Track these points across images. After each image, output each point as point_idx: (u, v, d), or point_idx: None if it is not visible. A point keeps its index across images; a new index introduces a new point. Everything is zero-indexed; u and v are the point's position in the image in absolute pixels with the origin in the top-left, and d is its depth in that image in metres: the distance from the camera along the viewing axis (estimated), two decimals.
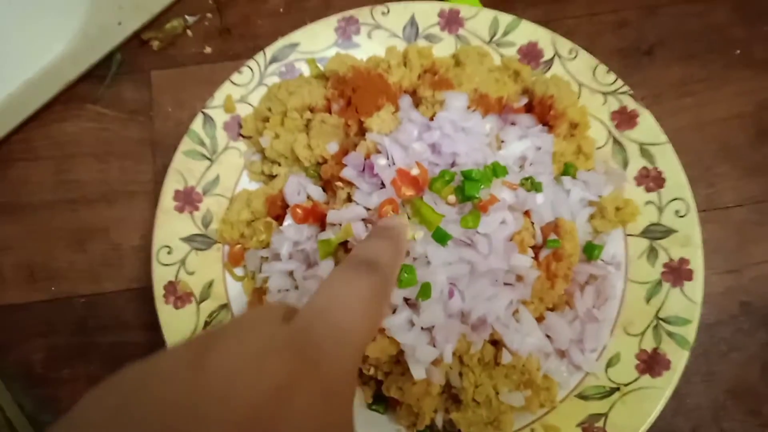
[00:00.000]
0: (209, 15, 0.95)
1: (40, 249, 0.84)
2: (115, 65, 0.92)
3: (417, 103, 0.78)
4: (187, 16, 0.95)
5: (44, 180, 0.88)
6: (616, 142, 0.80)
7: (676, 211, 0.76)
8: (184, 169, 0.78)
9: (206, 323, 0.73)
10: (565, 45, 0.83)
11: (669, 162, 0.77)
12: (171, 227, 0.76)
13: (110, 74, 0.92)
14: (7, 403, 0.77)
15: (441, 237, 0.64)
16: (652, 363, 0.71)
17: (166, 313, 0.73)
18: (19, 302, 0.82)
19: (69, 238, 0.85)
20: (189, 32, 0.95)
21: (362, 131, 0.75)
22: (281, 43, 0.83)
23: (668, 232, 0.75)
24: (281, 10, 0.96)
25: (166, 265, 0.75)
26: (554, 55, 0.83)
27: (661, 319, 0.72)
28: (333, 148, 0.76)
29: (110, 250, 0.85)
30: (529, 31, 0.84)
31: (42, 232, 0.85)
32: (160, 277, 0.74)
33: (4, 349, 0.80)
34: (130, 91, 0.92)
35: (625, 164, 0.79)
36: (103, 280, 0.83)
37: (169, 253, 0.75)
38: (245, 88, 0.82)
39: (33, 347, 0.80)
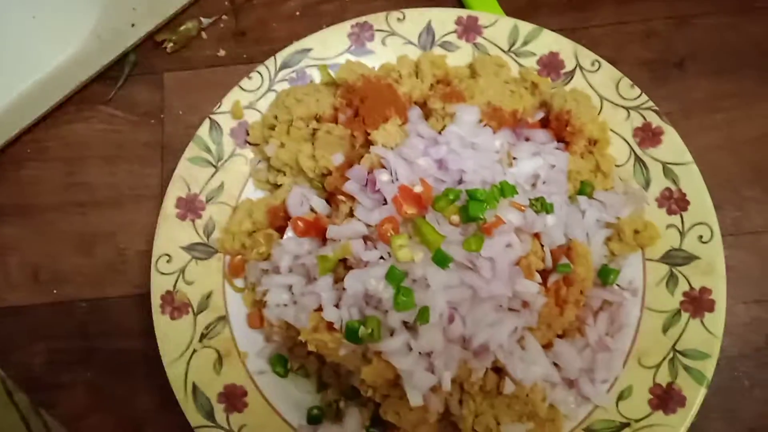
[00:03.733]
0: (225, 17, 0.94)
1: (46, 251, 0.84)
2: (128, 67, 0.92)
3: (427, 114, 0.76)
4: (202, 18, 0.93)
5: (54, 181, 0.87)
6: (638, 160, 0.76)
7: (700, 237, 0.71)
8: (188, 175, 0.77)
9: (202, 335, 0.72)
10: (587, 56, 0.79)
11: (694, 183, 0.73)
12: (172, 235, 0.75)
13: (123, 76, 0.91)
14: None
15: (442, 259, 0.62)
16: (666, 399, 0.67)
17: (162, 323, 0.71)
18: (22, 304, 0.82)
19: (75, 241, 0.85)
20: (203, 34, 0.93)
21: (368, 143, 0.73)
22: (293, 48, 0.82)
23: (690, 258, 0.71)
24: (297, 13, 0.94)
25: (165, 274, 0.73)
26: (576, 67, 0.79)
27: (679, 352, 0.68)
28: (338, 159, 0.74)
29: (115, 254, 0.84)
30: (550, 41, 0.80)
31: (49, 234, 0.85)
32: (159, 286, 0.73)
33: (5, 351, 0.80)
34: (142, 92, 0.91)
35: (646, 184, 0.75)
36: (107, 284, 0.83)
37: (168, 261, 0.74)
38: (254, 94, 0.80)
39: (34, 350, 0.80)
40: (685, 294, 0.70)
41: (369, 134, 0.72)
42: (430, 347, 0.62)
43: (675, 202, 0.73)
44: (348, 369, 0.70)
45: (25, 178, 0.87)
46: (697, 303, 0.69)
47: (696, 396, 0.66)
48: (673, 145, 0.75)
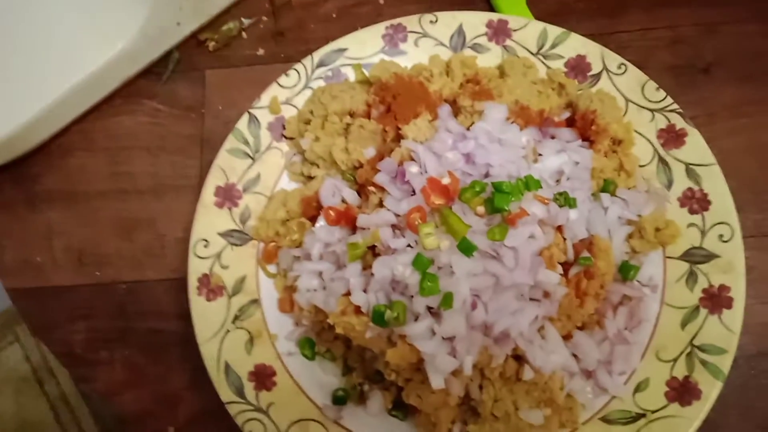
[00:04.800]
0: (264, 18, 0.98)
1: (89, 235, 0.88)
2: (173, 63, 0.96)
3: (456, 112, 0.78)
4: (243, 19, 0.97)
5: (99, 170, 0.92)
6: (661, 160, 0.77)
7: (720, 236, 0.73)
8: (226, 166, 0.81)
9: (235, 317, 0.75)
10: (614, 60, 0.81)
11: (716, 184, 0.74)
12: (210, 221, 0.79)
13: (167, 72, 0.96)
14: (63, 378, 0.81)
15: (467, 248, 0.64)
16: (682, 391, 0.68)
17: (198, 304, 0.75)
18: (65, 284, 0.86)
19: (117, 227, 0.89)
20: (244, 34, 0.97)
21: (399, 138, 0.76)
22: (329, 47, 0.85)
23: (710, 256, 0.73)
24: (334, 15, 0.97)
25: (202, 258, 0.77)
26: (602, 70, 0.81)
27: (696, 347, 0.70)
28: (370, 153, 0.77)
29: (154, 240, 0.88)
30: (578, 45, 0.82)
31: (93, 219, 0.89)
32: (196, 269, 0.76)
33: (48, 328, 0.84)
34: (184, 88, 0.95)
35: (669, 184, 0.76)
36: (146, 268, 0.87)
37: (205, 246, 0.77)
38: (291, 90, 0.84)
39: (75, 328, 0.84)
40: (704, 291, 0.71)
41: (400, 129, 0.76)
42: (453, 332, 0.64)
43: (697, 201, 0.75)
44: (372, 353, 0.73)
45: (73, 166, 0.92)
46: (716, 300, 0.71)
47: (712, 390, 0.67)
48: (696, 147, 0.76)
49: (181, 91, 0.95)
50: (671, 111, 0.78)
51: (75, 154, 0.93)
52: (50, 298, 0.86)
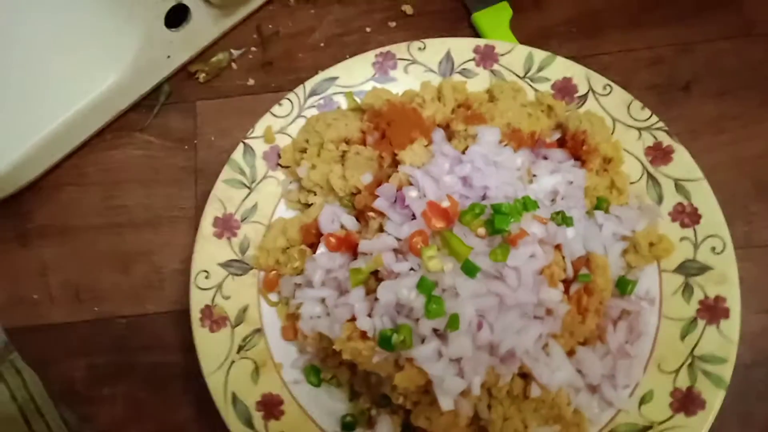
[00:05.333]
0: (253, 49, 0.99)
1: (86, 270, 0.88)
2: (164, 96, 0.97)
3: (450, 136, 0.80)
4: (232, 50, 0.99)
5: (93, 204, 0.92)
6: (650, 177, 0.80)
7: (713, 248, 0.75)
8: (224, 196, 0.81)
9: (240, 347, 0.75)
10: (599, 81, 0.84)
11: (705, 198, 0.77)
12: (209, 252, 0.79)
13: (158, 104, 0.96)
14: (52, 416, 0.80)
15: (470, 269, 0.65)
16: (686, 402, 0.70)
17: (202, 336, 0.75)
18: (63, 321, 0.85)
19: (114, 261, 0.88)
20: (234, 65, 0.98)
21: (395, 163, 0.77)
22: (321, 77, 0.86)
23: (704, 268, 0.75)
24: (322, 44, 0.99)
25: (204, 289, 0.77)
26: (588, 91, 0.84)
27: (697, 357, 0.71)
28: (367, 179, 0.78)
29: (153, 272, 0.88)
30: (563, 67, 0.85)
31: (89, 254, 0.89)
32: (197, 300, 0.76)
33: (47, 365, 0.83)
34: (176, 120, 0.96)
35: (659, 200, 0.79)
36: (145, 301, 0.86)
37: (206, 277, 0.77)
38: (285, 119, 0.85)
39: (75, 365, 0.83)
40: (700, 302, 0.73)
41: (396, 155, 0.77)
42: (460, 353, 0.65)
43: (687, 216, 0.77)
44: (379, 378, 0.73)
45: (66, 202, 0.92)
46: (713, 311, 0.72)
47: (715, 399, 0.69)
48: (683, 163, 0.79)
49: (172, 123, 0.96)
50: (657, 129, 0.81)
51: (67, 190, 0.92)
52: (48, 335, 0.85)
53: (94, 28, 0.89)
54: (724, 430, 0.76)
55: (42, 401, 0.81)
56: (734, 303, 0.72)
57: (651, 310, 0.74)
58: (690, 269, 0.75)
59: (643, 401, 0.71)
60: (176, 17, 0.91)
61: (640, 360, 0.73)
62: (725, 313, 0.72)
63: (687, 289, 0.74)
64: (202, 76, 0.97)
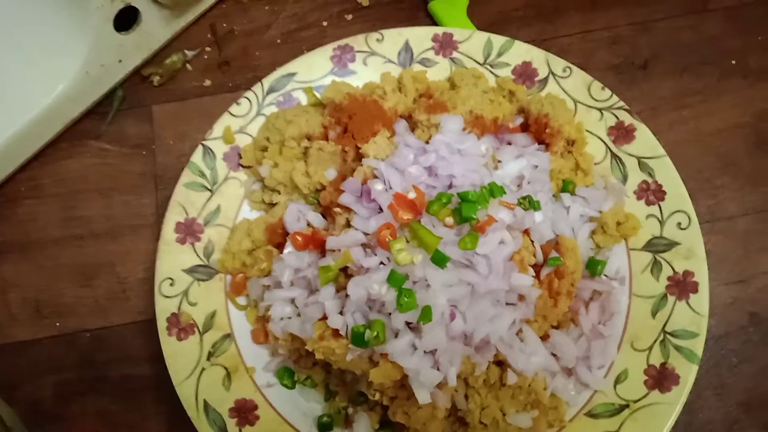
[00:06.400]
0: (208, 49, 0.97)
1: (46, 285, 0.85)
2: (117, 101, 0.94)
3: (413, 127, 0.79)
4: (186, 51, 0.96)
5: (51, 217, 0.89)
6: (614, 156, 0.80)
7: (678, 224, 0.75)
8: (184, 200, 0.79)
9: (209, 354, 0.73)
10: (558, 63, 0.84)
11: (668, 175, 0.77)
12: (173, 259, 0.77)
13: (112, 111, 0.94)
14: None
15: (440, 259, 0.65)
16: (660, 378, 0.70)
17: (169, 345, 0.73)
18: (26, 339, 0.83)
19: (75, 274, 0.86)
20: (188, 66, 0.96)
21: (359, 157, 0.76)
22: (278, 73, 0.85)
23: (671, 245, 0.75)
24: (278, 41, 0.97)
25: (169, 297, 0.75)
26: (549, 74, 0.84)
27: (668, 333, 0.72)
28: (331, 174, 0.77)
29: (116, 283, 0.85)
30: (522, 51, 0.85)
31: (49, 268, 0.86)
32: (163, 309, 0.74)
33: (13, 386, 0.80)
34: (132, 126, 0.93)
35: (624, 179, 0.79)
36: (110, 313, 0.84)
37: (171, 285, 0.75)
38: (244, 119, 0.83)
39: (41, 384, 0.81)
40: (669, 278, 0.74)
41: (359, 148, 0.76)
42: (434, 345, 0.64)
43: (652, 193, 0.77)
44: (354, 375, 0.72)
45: (23, 216, 0.89)
46: (682, 286, 0.73)
47: (689, 373, 0.69)
48: (645, 141, 0.79)
49: (128, 129, 0.93)
50: (618, 108, 0.81)
51: (23, 203, 0.89)
52: (11, 354, 0.82)
53: (41, 36, 0.86)
54: (699, 403, 0.77)
55: (12, 423, 0.78)
56: (702, 277, 0.73)
57: (621, 289, 0.75)
58: (657, 246, 0.75)
59: (618, 381, 0.71)
60: (126, 20, 0.89)
61: (613, 340, 0.73)
62: (694, 288, 0.72)
63: (656, 266, 0.75)
64: (156, 80, 0.95)
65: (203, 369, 0.73)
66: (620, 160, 0.79)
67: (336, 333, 0.67)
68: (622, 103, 0.80)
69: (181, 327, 0.74)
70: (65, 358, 0.82)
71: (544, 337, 0.71)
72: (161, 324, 0.74)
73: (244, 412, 0.72)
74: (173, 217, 0.78)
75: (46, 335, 0.83)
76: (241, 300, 0.78)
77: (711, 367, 0.78)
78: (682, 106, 0.90)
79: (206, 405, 0.71)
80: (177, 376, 0.72)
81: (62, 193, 0.90)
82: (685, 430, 0.76)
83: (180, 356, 0.73)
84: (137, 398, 0.80)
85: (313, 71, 0.85)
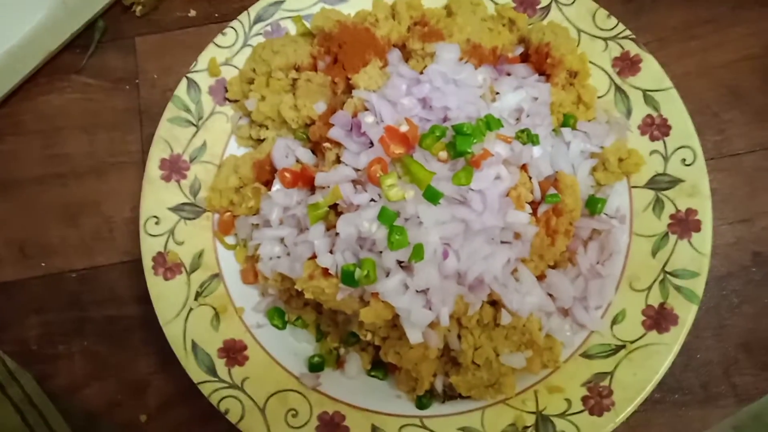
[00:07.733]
0: None
1: (30, 225, 0.83)
2: (98, 33, 0.90)
3: (407, 56, 0.75)
4: None
5: (33, 155, 0.86)
6: (618, 89, 0.76)
7: (683, 160, 0.72)
8: (169, 136, 0.76)
9: (197, 294, 0.72)
10: None
11: (674, 108, 0.73)
12: (158, 197, 0.74)
13: (93, 43, 0.89)
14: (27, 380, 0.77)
15: (432, 195, 0.62)
16: (659, 319, 0.68)
17: (156, 284, 0.71)
18: (11, 280, 0.81)
19: (60, 213, 0.84)
20: None
21: (349, 89, 0.72)
22: (266, 1, 0.80)
23: (675, 182, 0.72)
24: None
25: (155, 236, 0.73)
26: (551, 1, 0.79)
27: (668, 273, 0.69)
28: (320, 107, 0.73)
29: (102, 223, 0.83)
30: None
31: (32, 208, 0.84)
32: (149, 248, 0.72)
33: (0, 328, 0.79)
34: (114, 59, 0.89)
35: (628, 113, 0.75)
36: (96, 254, 0.82)
37: (157, 223, 0.73)
38: (230, 50, 0.79)
39: (28, 324, 0.79)
40: (671, 216, 0.71)
41: (350, 79, 0.72)
42: (426, 284, 0.62)
43: (657, 128, 0.74)
44: (345, 316, 0.70)
45: (3, 154, 0.86)
46: (684, 224, 0.70)
47: (688, 314, 0.67)
48: (652, 73, 0.75)
49: (110, 62, 0.89)
50: (624, 38, 0.76)
51: (4, 140, 0.87)
52: None
53: None
54: (697, 344, 0.75)
55: (14, 366, 0.77)
56: (705, 215, 0.70)
57: (622, 228, 0.72)
58: (660, 183, 0.72)
59: (615, 321, 0.69)
60: None
61: (611, 279, 0.70)
62: (697, 226, 0.70)
63: (658, 204, 0.72)
64: (138, 9, 0.90)
65: (191, 309, 0.71)
66: (624, 92, 0.75)
67: (326, 272, 0.65)
68: (628, 32, 0.76)
69: (167, 266, 0.72)
70: (51, 298, 0.81)
71: (540, 277, 0.69)
72: (147, 263, 0.72)
73: (234, 352, 0.70)
74: (158, 153, 0.75)
75: (31, 276, 0.81)
76: (230, 239, 0.76)
77: (711, 308, 0.76)
78: (692, 36, 0.85)
79: (194, 345, 0.70)
80: (164, 316, 0.70)
81: (44, 129, 0.87)
82: (682, 370, 0.75)
83: (167, 296, 0.71)
84: (124, 339, 0.79)
85: None
